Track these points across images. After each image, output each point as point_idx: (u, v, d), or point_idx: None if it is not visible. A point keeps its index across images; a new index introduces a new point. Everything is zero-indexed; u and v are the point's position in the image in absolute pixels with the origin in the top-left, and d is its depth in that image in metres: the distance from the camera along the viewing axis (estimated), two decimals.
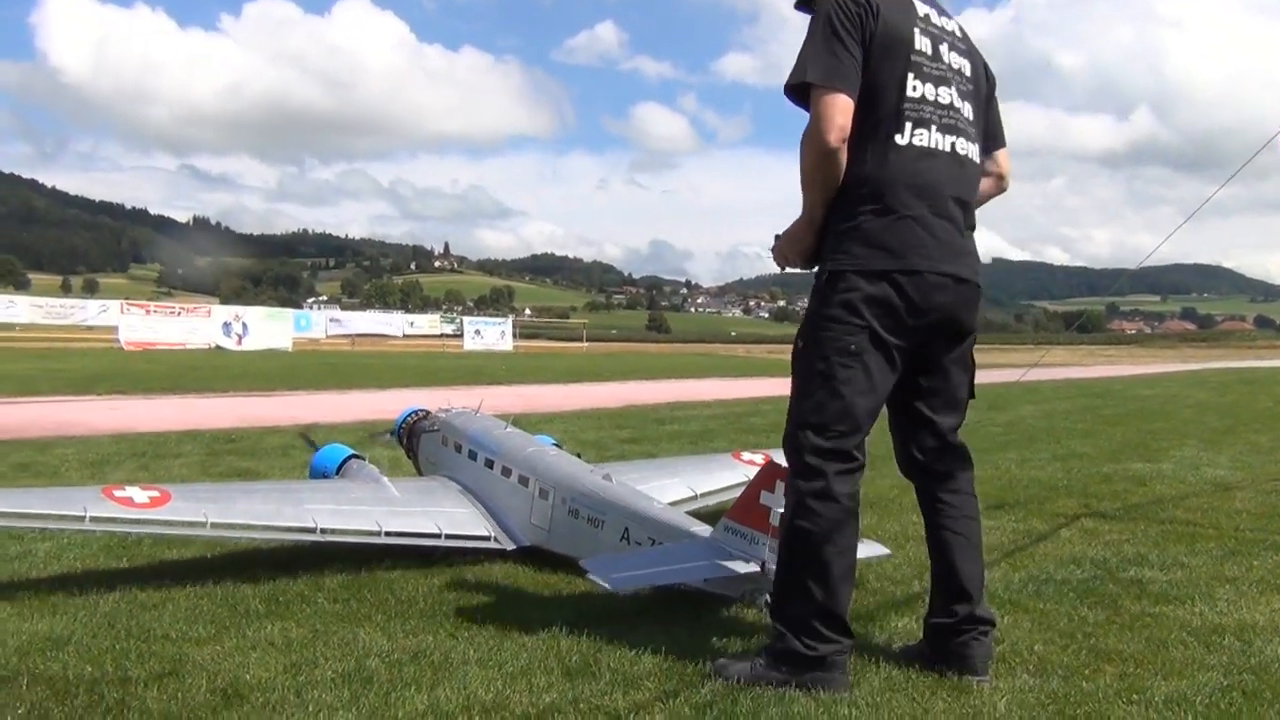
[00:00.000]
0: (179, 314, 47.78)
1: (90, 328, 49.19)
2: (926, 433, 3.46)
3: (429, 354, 46.34)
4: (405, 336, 64.72)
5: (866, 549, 4.11)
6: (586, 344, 77.74)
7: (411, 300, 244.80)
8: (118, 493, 4.32)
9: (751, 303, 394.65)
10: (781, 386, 19.26)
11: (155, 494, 4.38)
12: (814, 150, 3.16)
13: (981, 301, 3.45)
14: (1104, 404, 19.74)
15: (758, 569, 3.77)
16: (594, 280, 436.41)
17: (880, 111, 3.22)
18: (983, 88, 3.46)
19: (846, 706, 3.10)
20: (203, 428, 11.14)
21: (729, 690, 3.20)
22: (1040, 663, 3.59)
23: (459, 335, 64.39)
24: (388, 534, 4.63)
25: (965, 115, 3.37)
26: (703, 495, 5.35)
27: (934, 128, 3.27)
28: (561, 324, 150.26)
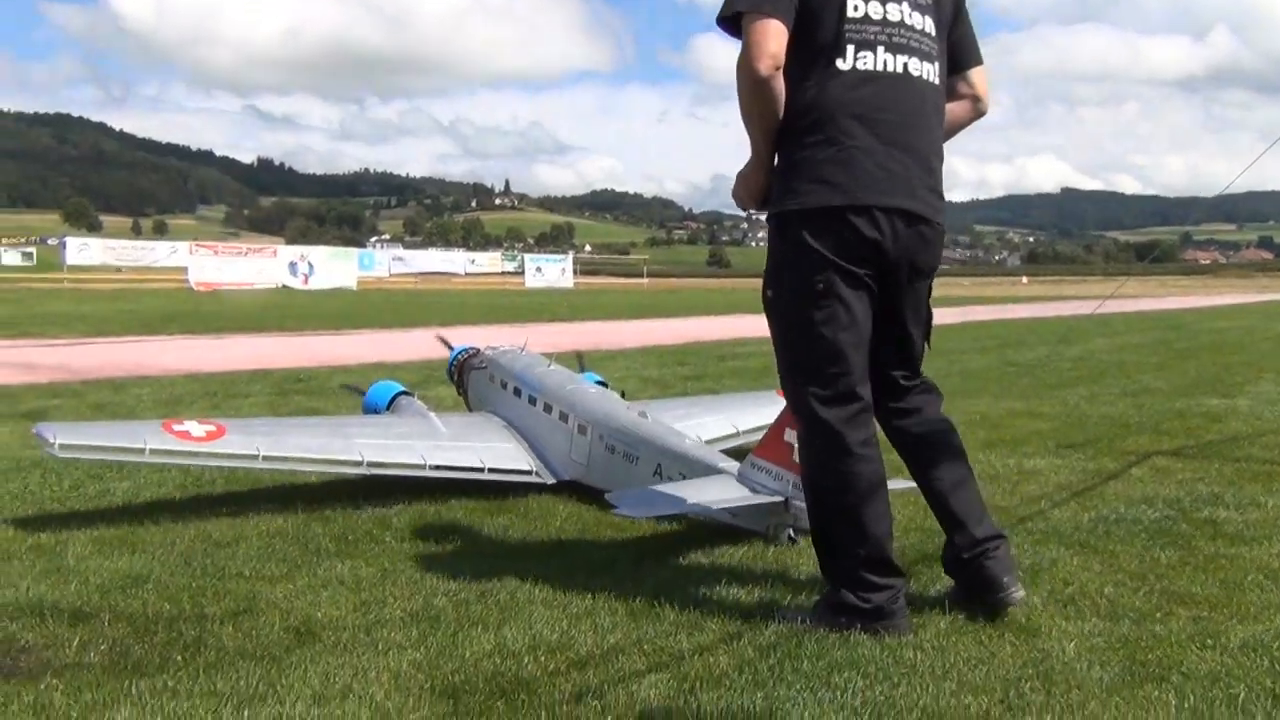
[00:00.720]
0: (246, 254, 48.56)
1: (161, 269, 50.19)
2: (886, 372, 3.33)
3: (491, 291, 46.61)
4: (467, 274, 65.19)
5: (893, 484, 3.94)
6: (647, 280, 77.66)
7: (473, 238, 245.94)
8: (176, 426, 4.56)
9: None
10: None
11: (212, 428, 4.61)
12: (746, 80, 2.97)
13: (943, 236, 3.28)
14: (1177, 337, 19.29)
15: (780, 501, 3.85)
16: (654, 216, 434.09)
17: (820, 35, 3.02)
18: (946, 1, 3.21)
19: (911, 650, 3.08)
20: (272, 367, 11.34)
21: (793, 633, 3.20)
22: (1110, 606, 3.54)
23: (520, 272, 64.71)
24: (433, 467, 4.79)
25: (921, 31, 3.11)
26: (745, 432, 5.38)
27: (881, 48, 3.04)
28: (622, 260, 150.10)
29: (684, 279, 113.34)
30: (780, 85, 3.00)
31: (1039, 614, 3.43)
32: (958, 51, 3.29)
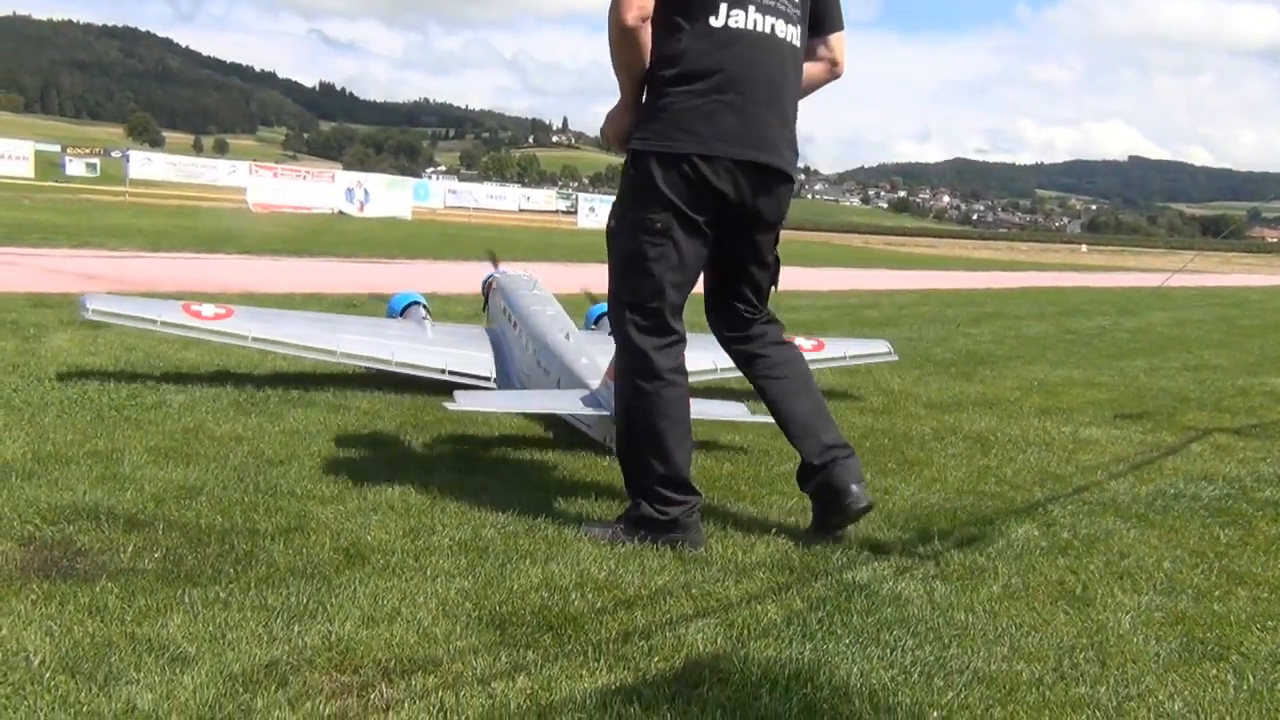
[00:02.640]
0: (305, 178, 48.72)
1: (221, 187, 50.62)
2: (733, 310, 3.66)
3: (543, 230, 46.53)
4: (521, 211, 65.03)
5: (728, 409, 4.62)
6: None
7: (528, 175, 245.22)
8: (194, 307, 5.31)
9: (871, 192, 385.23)
10: (901, 280, 19.12)
11: (222, 311, 5.31)
12: (614, 29, 3.19)
13: (792, 191, 3.52)
14: (1241, 314, 18.87)
15: (606, 414, 4.17)
16: None
17: None
18: None
19: (963, 612, 3.04)
20: (326, 291, 11.41)
21: (842, 587, 3.17)
22: (1168, 581, 3.47)
23: (573, 212, 64.35)
24: (398, 363, 5.34)
25: None
26: (723, 370, 5.61)
27: (752, 8, 3.26)
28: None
29: None
30: (646, 35, 3.22)
31: (1094, 584, 3.37)
32: (821, 16, 3.51)
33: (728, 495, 4.22)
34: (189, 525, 3.39)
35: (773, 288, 3.72)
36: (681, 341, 3.44)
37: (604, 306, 6.00)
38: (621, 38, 3.21)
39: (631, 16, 3.17)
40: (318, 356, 5.40)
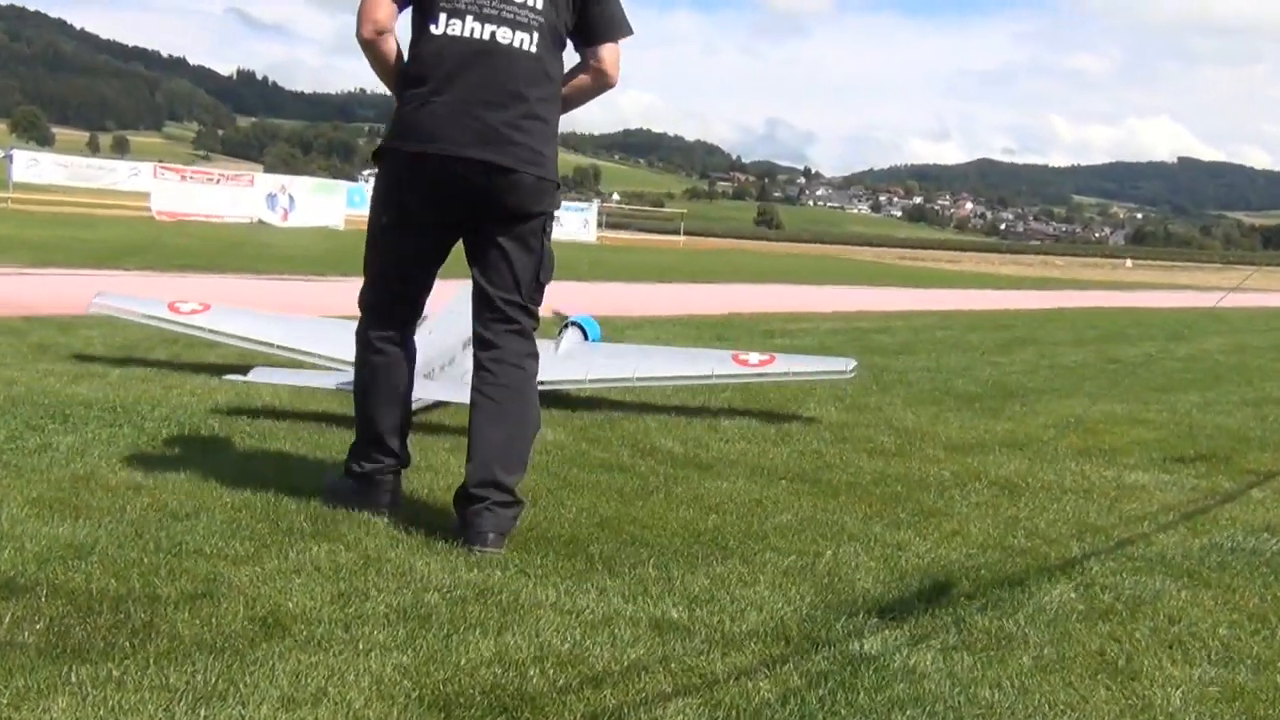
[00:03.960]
0: (218, 181, 48.58)
1: (120, 192, 50.42)
2: (484, 305, 4.34)
3: None
4: None
5: (451, 391, 6.09)
6: (684, 238, 77.43)
7: None
8: (179, 304, 7.16)
9: (882, 198, 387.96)
10: (917, 300, 19.20)
11: (198, 307, 7.11)
12: (359, 42, 4.07)
13: (540, 187, 4.22)
14: None
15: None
16: (696, 163, 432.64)
17: (423, 4, 4.07)
18: None
19: (988, 688, 3.05)
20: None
21: (847, 659, 3.18)
22: (1224, 649, 3.49)
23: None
24: (340, 360, 6.36)
25: (520, 5, 4.07)
26: (640, 378, 7.25)
27: (470, 17, 4.02)
28: (655, 214, 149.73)
29: (727, 239, 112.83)
30: (385, 46, 4.11)
31: (1140, 654, 3.39)
32: (589, 26, 4.23)
33: (713, 551, 4.22)
34: (77, 591, 3.36)
35: (540, 288, 4.41)
36: (400, 324, 4.40)
37: (585, 319, 7.97)
38: (364, 50, 4.10)
39: (365, 31, 4.05)
40: (259, 349, 6.91)
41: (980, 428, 7.53)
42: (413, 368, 4.47)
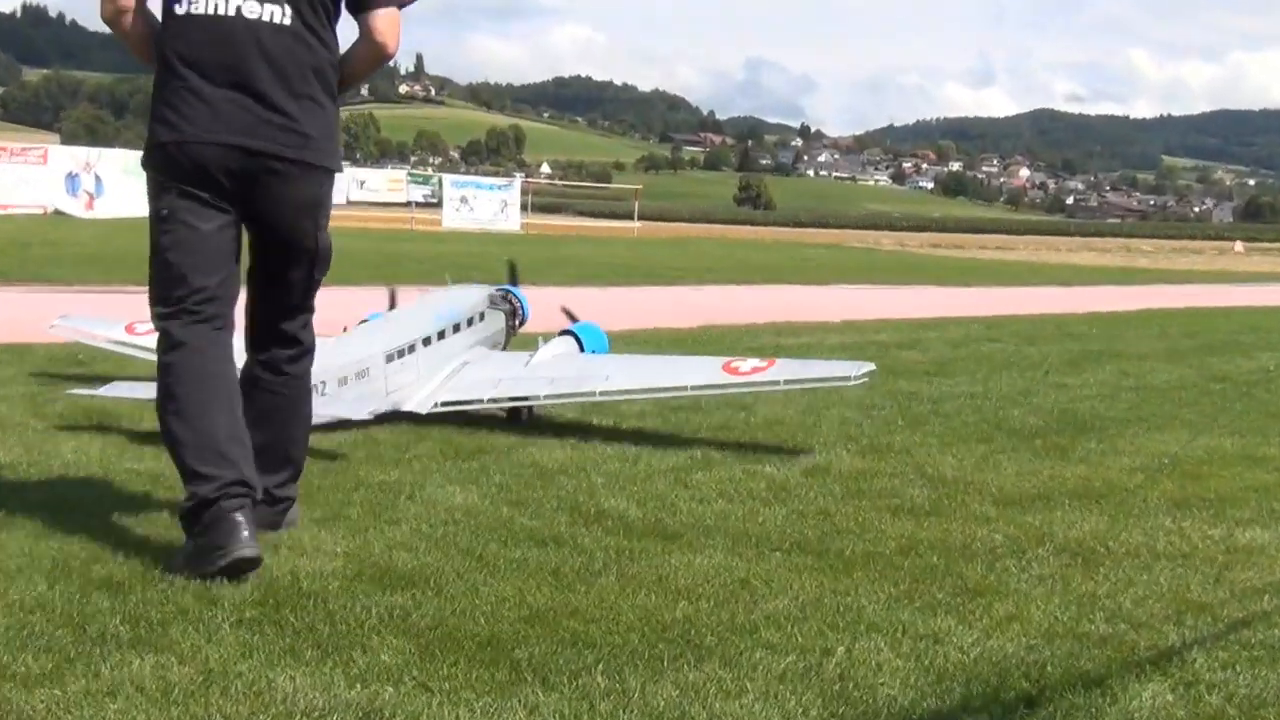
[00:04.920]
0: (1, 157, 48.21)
1: None
2: (260, 307, 5.20)
3: (387, 234, 46.52)
4: (351, 203, 64.80)
5: (353, 407, 7.54)
6: (639, 224, 77.39)
7: (362, 146, 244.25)
8: (138, 326, 8.70)
9: (907, 164, 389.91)
10: (956, 301, 19.27)
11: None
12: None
13: (308, 174, 4.99)
14: None
15: None
16: (654, 122, 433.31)
17: None
18: None
19: None
20: (32, 342, 11.25)
21: None
22: None
23: (434, 203, 64.38)
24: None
25: None
26: (605, 393, 8.19)
27: None
28: (600, 191, 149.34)
29: (697, 224, 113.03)
30: (129, 26, 4.95)
31: None
32: None
33: (684, 651, 4.23)
34: None
35: (314, 284, 5.29)
36: (205, 322, 4.91)
37: (587, 326, 9.26)
38: (111, 30, 4.93)
39: (104, 12, 4.89)
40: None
41: (1043, 474, 7.58)
42: (229, 369, 5.04)
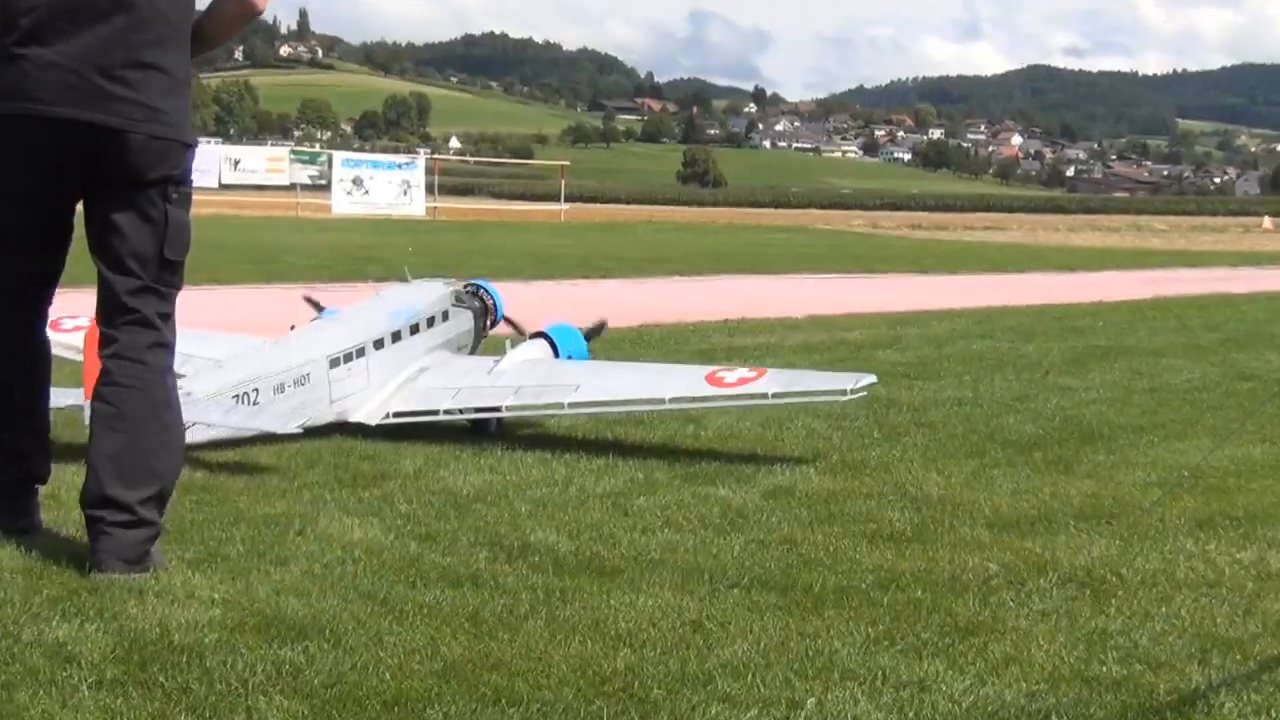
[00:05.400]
0: None
1: None
2: (104, 289, 5.38)
3: (266, 222, 46.29)
4: (224, 187, 64.41)
5: (280, 419, 7.78)
6: (567, 206, 77.28)
7: (237, 120, 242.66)
8: (61, 320, 8.32)
9: (879, 132, 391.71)
10: (940, 291, 19.31)
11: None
12: None
13: (157, 147, 5.20)
14: None
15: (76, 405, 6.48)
16: (582, 87, 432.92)
17: None
18: None
19: None
20: None
21: None
22: None
23: (323, 186, 64.06)
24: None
25: None
26: (575, 405, 8.44)
27: None
28: (520, 168, 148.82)
29: (636, 205, 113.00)
30: None
31: None
32: None
33: (627, 706, 4.24)
34: None
35: (169, 266, 5.43)
36: (23, 310, 5.50)
37: (562, 329, 9.43)
38: None
39: None
40: None
41: (1044, 492, 7.62)
42: (42, 362, 5.65)
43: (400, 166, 67.39)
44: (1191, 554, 6.33)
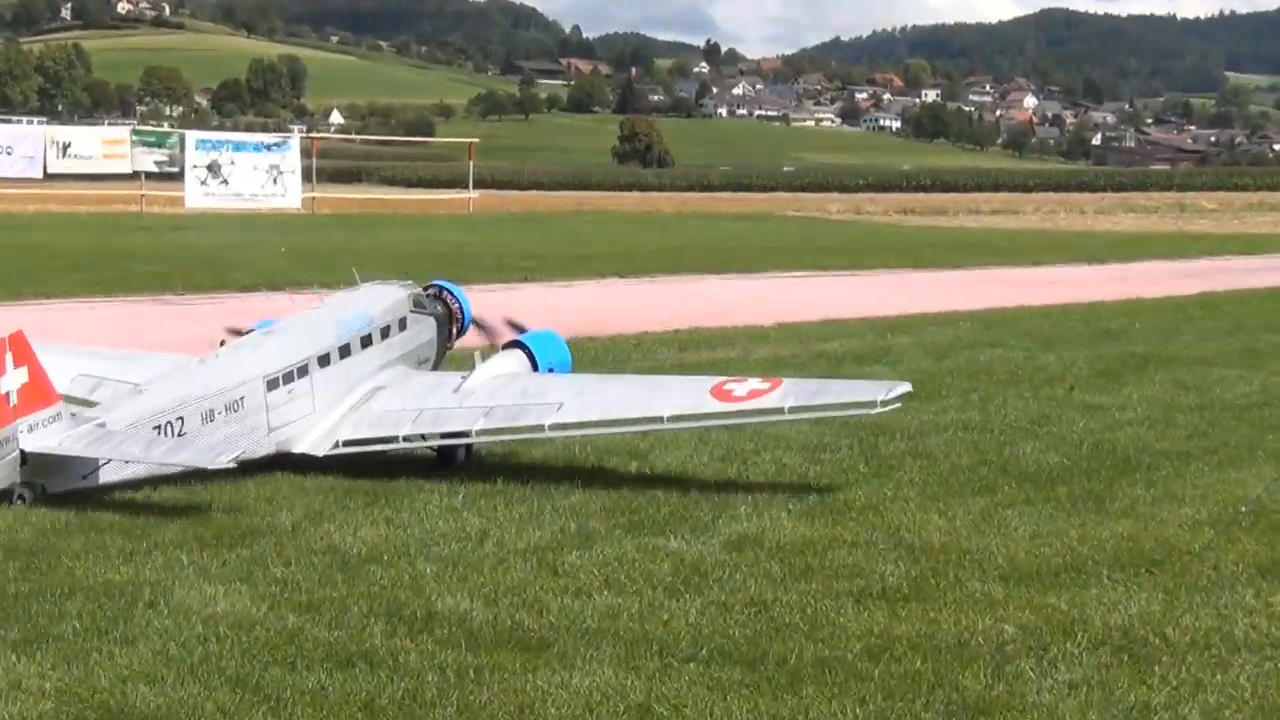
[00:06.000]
0: None
1: None
2: None
3: (103, 220, 46.01)
4: (51, 177, 63.99)
5: (202, 452, 8.25)
6: (478, 194, 77.05)
7: (65, 93, 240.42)
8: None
9: (861, 95, 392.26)
10: (940, 290, 19.26)
11: None
12: None
13: None
14: None
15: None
16: (493, 47, 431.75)
17: None
18: None
19: None
20: None
21: None
22: None
23: (174, 174, 63.65)
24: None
25: None
26: (556, 426, 8.68)
27: None
28: (420, 149, 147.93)
29: (564, 191, 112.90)
30: None
31: None
32: None
33: None
34: None
35: None
36: None
37: (543, 336, 9.76)
38: None
39: None
40: None
41: (1070, 534, 7.65)
42: None
43: (269, 149, 66.95)
44: (1252, 608, 6.36)
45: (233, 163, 62.78)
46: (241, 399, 8.02)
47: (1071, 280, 27.32)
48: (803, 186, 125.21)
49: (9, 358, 8.04)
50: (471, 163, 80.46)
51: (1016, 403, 11.96)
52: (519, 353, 9.25)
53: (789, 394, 8.30)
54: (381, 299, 9.48)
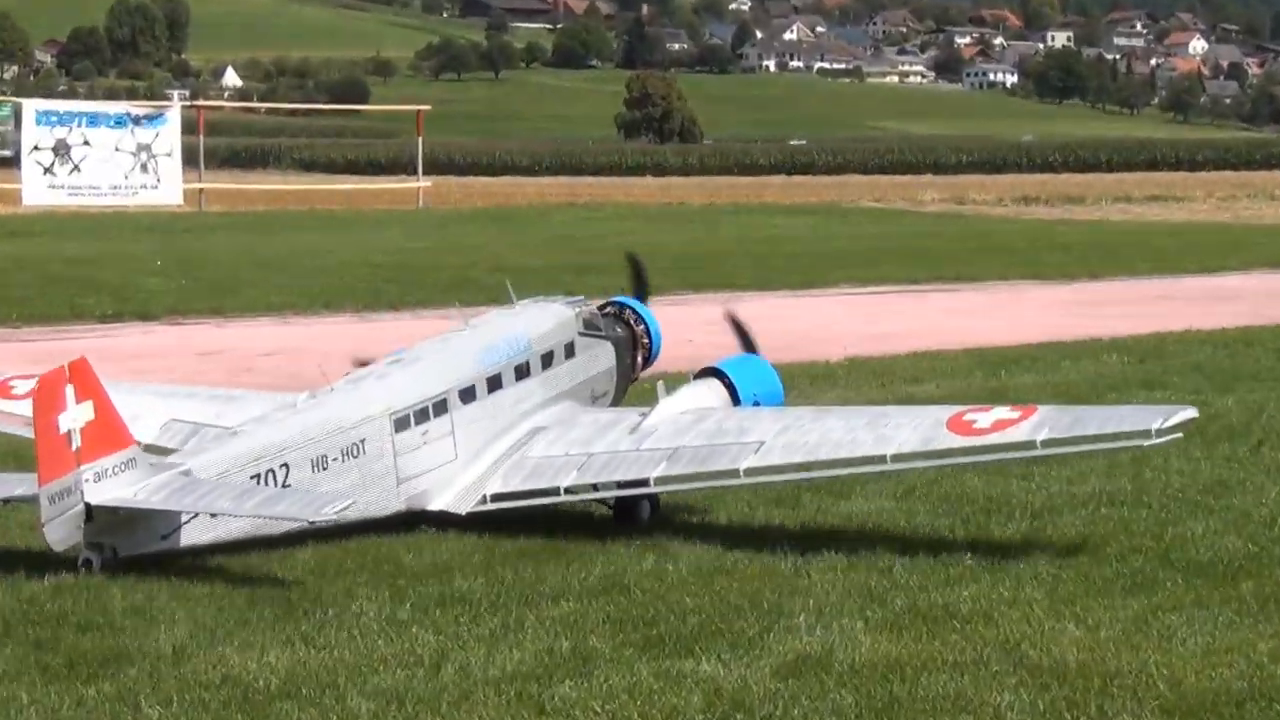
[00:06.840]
0: None
1: None
2: None
3: None
4: None
5: (303, 504, 8.39)
6: (429, 182, 77.19)
7: None
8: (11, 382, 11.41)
9: (962, 41, 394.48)
10: (1059, 311, 19.54)
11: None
12: None
13: None
14: None
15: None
16: None
17: None
18: None
19: None
20: None
21: None
22: None
23: (6, 158, 64.10)
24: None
25: None
26: (753, 471, 9.07)
27: None
28: (351, 122, 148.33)
29: (550, 177, 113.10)
30: None
31: None
32: None
33: None
34: None
35: None
36: None
37: (746, 361, 10.16)
38: None
39: None
40: None
41: (1258, 648, 7.70)
42: None
43: (137, 123, 66.85)
44: None
45: (87, 142, 62.48)
46: (362, 441, 8.22)
47: (1256, 294, 27.44)
48: (883, 168, 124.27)
49: (70, 390, 8.29)
50: (420, 139, 80.00)
51: (1183, 465, 11.99)
52: (715, 382, 9.56)
53: (1044, 424, 8.54)
54: (542, 320, 9.80)
